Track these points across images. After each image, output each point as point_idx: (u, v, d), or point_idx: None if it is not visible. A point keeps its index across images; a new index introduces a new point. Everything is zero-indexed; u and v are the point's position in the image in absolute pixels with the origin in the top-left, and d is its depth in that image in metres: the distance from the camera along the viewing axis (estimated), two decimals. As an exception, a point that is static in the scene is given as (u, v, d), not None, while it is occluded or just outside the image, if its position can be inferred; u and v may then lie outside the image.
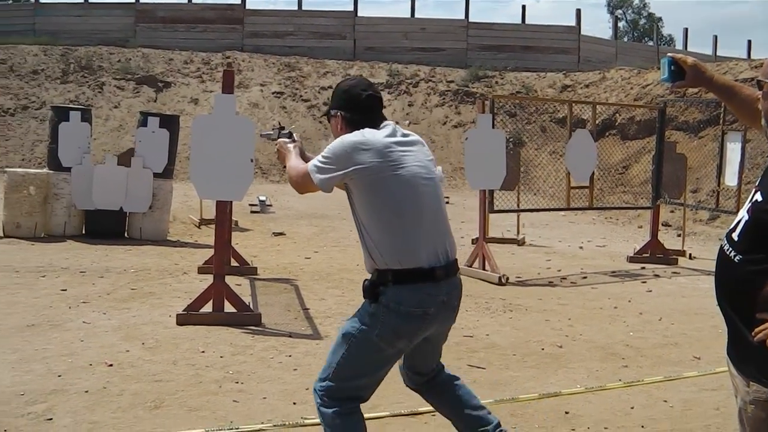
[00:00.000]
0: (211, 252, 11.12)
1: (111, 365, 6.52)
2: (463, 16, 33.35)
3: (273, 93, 27.73)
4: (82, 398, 5.82)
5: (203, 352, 7.01)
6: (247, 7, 32.34)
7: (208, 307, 8.00)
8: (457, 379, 4.50)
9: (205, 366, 6.62)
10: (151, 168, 13.04)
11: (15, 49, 28.63)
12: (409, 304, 3.84)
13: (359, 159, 3.89)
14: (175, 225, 14.20)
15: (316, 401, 4.12)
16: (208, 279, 9.51)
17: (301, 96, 27.70)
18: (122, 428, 5.31)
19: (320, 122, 26.51)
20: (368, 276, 3.99)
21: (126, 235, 13.28)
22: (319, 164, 4.01)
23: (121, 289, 9.46)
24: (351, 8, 32.77)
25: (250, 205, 17.42)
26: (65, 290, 9.27)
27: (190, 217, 15.30)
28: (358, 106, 4.12)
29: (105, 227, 13.11)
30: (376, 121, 4.09)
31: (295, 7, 33.25)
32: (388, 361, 4.02)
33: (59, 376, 6.29)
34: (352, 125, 4.09)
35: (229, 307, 8.03)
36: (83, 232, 13.27)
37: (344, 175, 3.93)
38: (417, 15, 33.49)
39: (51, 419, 5.42)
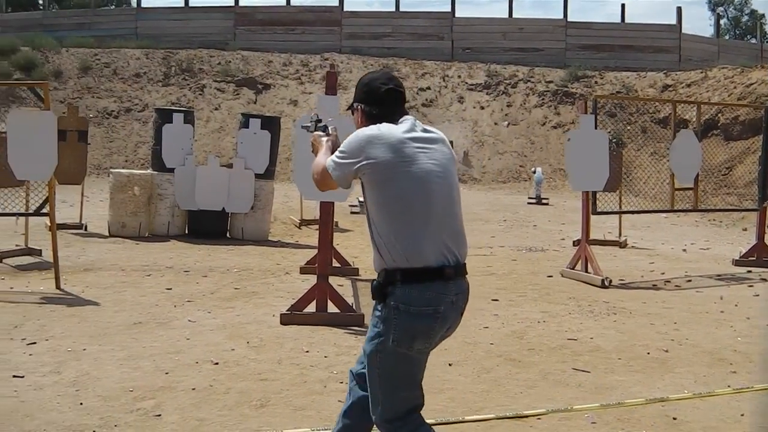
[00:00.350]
0: (312, 252, 11.22)
1: (217, 363, 6.59)
2: (561, 16, 33.04)
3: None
4: (189, 395, 5.88)
5: (307, 351, 7.04)
6: (345, 8, 32.54)
7: (311, 307, 8.04)
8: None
9: (310, 366, 6.65)
10: (252, 169, 13.17)
11: (118, 53, 29.27)
12: (418, 303, 3.73)
13: (372, 153, 3.80)
14: (276, 225, 14.32)
15: None
16: (310, 279, 9.59)
17: (399, 97, 27.75)
18: (229, 426, 5.35)
19: (430, 123, 26.48)
20: (373, 277, 3.90)
21: (228, 235, 13.46)
22: (336, 159, 3.93)
23: (224, 288, 9.58)
24: (448, 9, 32.73)
25: (350, 206, 17.48)
26: (170, 289, 9.42)
27: (291, 218, 15.42)
28: (378, 100, 4.01)
29: (207, 227, 13.31)
30: (395, 116, 3.98)
31: (393, 9, 33.32)
32: (416, 363, 3.88)
33: (166, 373, 6.37)
34: (371, 119, 3.99)
35: (332, 308, 8.06)
36: (186, 231, 13.51)
37: (357, 168, 3.84)
38: (514, 15, 33.28)
39: (159, 415, 5.49)
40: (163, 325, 7.80)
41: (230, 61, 29.11)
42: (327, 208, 8.35)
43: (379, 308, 3.81)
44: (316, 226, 14.58)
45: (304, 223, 14.91)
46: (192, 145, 13.69)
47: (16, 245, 11.97)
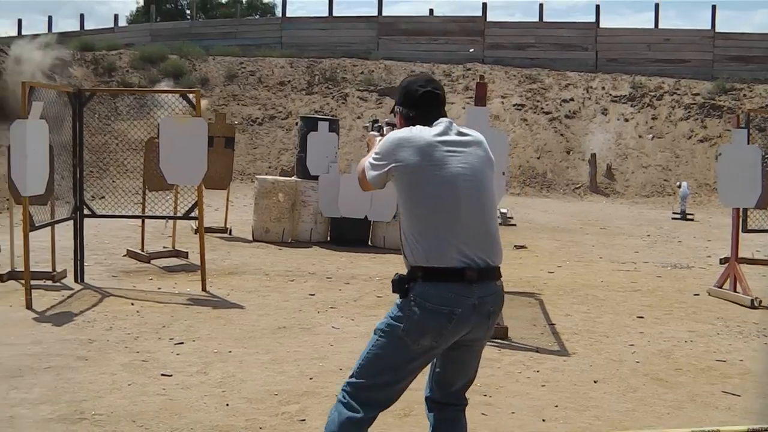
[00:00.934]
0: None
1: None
2: (708, 26, 32.19)
3: (514, 105, 27.66)
4: (333, 402, 5.87)
5: (450, 362, 6.97)
6: (488, 19, 32.42)
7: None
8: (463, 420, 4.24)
9: (453, 376, 6.58)
10: (396, 178, 13.17)
11: (263, 61, 29.80)
12: (435, 301, 3.75)
13: (400, 155, 3.85)
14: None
15: (338, 396, 4.08)
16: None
17: (542, 108, 27.48)
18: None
19: (561, 135, 26.23)
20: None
21: (369, 243, 13.51)
22: (372, 161, 3.99)
23: (367, 296, 9.59)
24: (593, 19, 32.30)
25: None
26: (313, 295, 9.50)
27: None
28: (414, 103, 4.05)
29: (350, 235, 13.39)
30: (429, 118, 4.00)
31: (536, 19, 33.07)
32: (412, 359, 3.88)
33: (311, 378, 6.41)
34: (408, 121, 4.04)
35: (476, 319, 7.97)
36: (328, 238, 13.62)
37: (387, 170, 3.91)
38: (660, 25, 32.62)
39: (304, 420, 5.52)
40: (306, 331, 7.86)
41: (373, 71, 29.33)
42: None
43: (399, 300, 3.87)
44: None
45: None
46: (336, 153, 13.81)
47: (164, 247, 12.28)
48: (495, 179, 4.10)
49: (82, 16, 56.44)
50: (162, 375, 6.42)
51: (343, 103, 27.90)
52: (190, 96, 9.90)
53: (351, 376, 4.04)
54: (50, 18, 53.54)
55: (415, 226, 3.85)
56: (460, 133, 3.98)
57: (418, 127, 3.95)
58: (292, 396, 5.98)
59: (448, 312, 3.74)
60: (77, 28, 36.90)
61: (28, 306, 8.62)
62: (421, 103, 4.03)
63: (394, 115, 4.22)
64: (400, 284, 3.86)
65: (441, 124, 3.96)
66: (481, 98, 8.20)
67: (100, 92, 11.31)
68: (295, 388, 6.15)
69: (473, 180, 3.87)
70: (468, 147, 3.94)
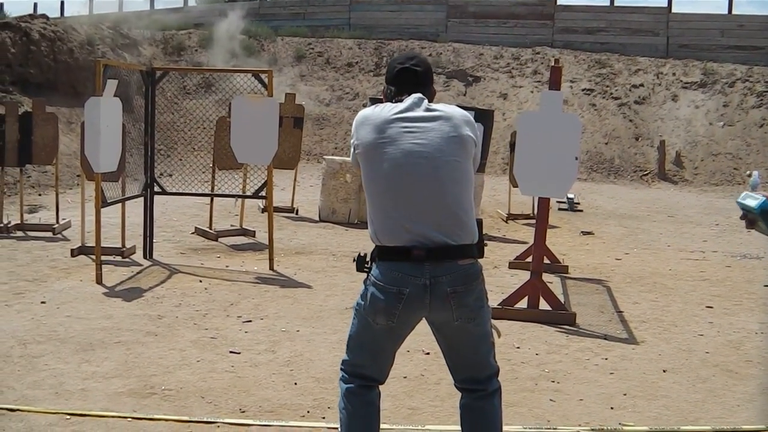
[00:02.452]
0: (519, 248, 11.12)
1: (428, 354, 6.57)
2: (786, 13, 31.54)
3: (582, 90, 27.34)
4: (401, 384, 5.89)
5: (518, 348, 6.94)
6: (559, 2, 32.07)
7: (522, 303, 7.93)
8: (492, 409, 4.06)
9: (521, 362, 6.55)
10: (464, 161, 13.11)
11: (331, 42, 29.81)
12: (384, 280, 3.74)
13: (360, 134, 3.85)
14: (483, 218, 14.20)
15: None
16: (519, 274, 9.49)
17: (611, 94, 27.11)
18: (441, 417, 5.34)
19: (630, 120, 25.91)
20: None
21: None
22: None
23: (431, 279, 9.53)
24: (665, 4, 31.79)
25: (558, 202, 17.19)
26: (380, 276, 9.47)
27: (498, 212, 15.30)
28: (392, 80, 4.01)
29: (416, 217, 13.33)
30: (403, 95, 3.92)
31: (607, 3, 32.65)
32: (379, 337, 3.92)
33: (378, 360, 6.41)
34: (387, 98, 4.00)
35: (543, 305, 7.92)
36: (394, 220, 13.57)
37: (353, 150, 3.94)
38: (734, 11, 32.02)
39: (372, 402, 5.52)
40: (374, 312, 7.85)
41: (441, 53, 29.16)
42: (544, 204, 8.19)
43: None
44: (524, 221, 14.56)
45: (511, 217, 14.78)
46: (404, 135, 13.74)
47: (231, 225, 12.37)
48: (467, 154, 3.88)
49: (152, -5, 56.68)
50: (230, 352, 6.48)
51: (411, 85, 27.78)
52: (263, 76, 9.93)
53: (345, 353, 4.13)
54: (121, -4, 53.81)
55: (370, 204, 3.87)
56: (428, 110, 3.86)
57: (381, 104, 3.93)
58: (360, 377, 6.00)
59: (397, 292, 3.72)
60: (147, 8, 37.17)
61: (99, 281, 8.75)
62: (398, 81, 3.97)
63: (383, 93, 4.17)
64: (359, 262, 3.94)
65: (408, 100, 3.88)
66: (555, 82, 8.09)
67: (172, 71, 11.37)
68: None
69: (429, 157, 3.75)
70: (431, 122, 3.83)
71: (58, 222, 11.76)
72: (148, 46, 27.37)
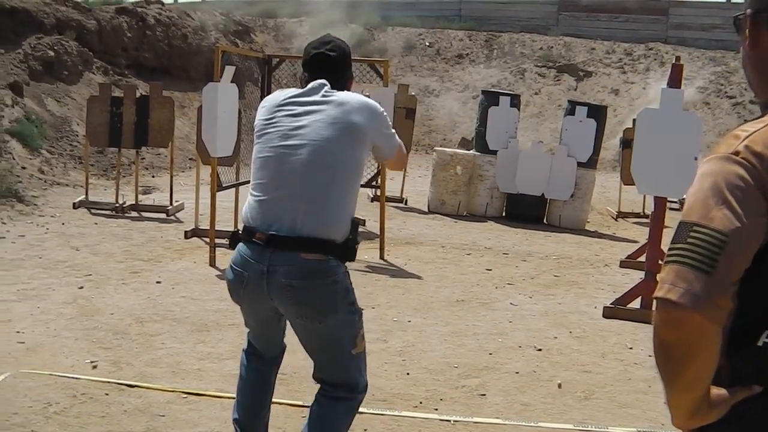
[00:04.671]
0: (630, 246, 10.96)
1: (540, 350, 6.53)
2: None
3: (697, 88, 26.79)
4: (512, 379, 5.86)
5: (631, 348, 6.83)
6: (673, -2, 31.52)
7: (635, 303, 7.80)
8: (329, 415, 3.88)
9: (634, 363, 6.44)
10: (575, 157, 12.99)
11: (442, 33, 29.77)
12: (234, 260, 3.73)
13: (258, 117, 3.83)
14: (592, 215, 14.05)
15: None
16: (631, 274, 9.36)
17: (725, 92, 26.53)
18: (553, 414, 5.28)
19: (745, 121, 25.21)
20: None
21: (545, 221, 13.34)
22: None
23: (544, 274, 9.48)
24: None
25: (670, 201, 16.86)
26: (490, 270, 9.44)
27: (608, 209, 15.09)
28: (305, 64, 3.90)
29: (525, 211, 13.25)
30: (311, 81, 3.80)
31: (723, 0, 31.96)
32: (245, 313, 3.96)
33: (490, 354, 6.38)
34: (301, 83, 3.90)
35: (657, 305, 7.77)
36: (503, 214, 13.50)
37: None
38: None
39: (484, 395, 5.51)
40: (485, 306, 7.82)
41: (552, 47, 28.87)
42: (661, 204, 8.04)
43: None
44: (634, 219, 14.32)
45: (621, 215, 14.56)
46: (516, 128, 13.65)
47: (342, 214, 12.43)
48: (352, 142, 3.69)
49: (264, -17, 57.12)
50: (343, 340, 6.50)
51: (521, 78, 27.57)
52: (379, 66, 9.94)
53: None
54: (234, -16, 54.48)
55: (251, 183, 3.80)
56: (324, 95, 3.71)
57: (282, 90, 3.89)
58: (472, 370, 5.97)
59: (239, 273, 3.67)
60: (264, -4, 37.60)
61: (212, 263, 8.88)
62: (311, 66, 3.86)
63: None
64: (232, 240, 3.89)
65: (310, 85, 3.77)
66: (675, 80, 7.91)
67: (289, 59, 11.47)
68: (474, 362, 6.14)
69: (304, 141, 3.61)
70: (321, 106, 3.68)
71: (171, 204, 11.98)
72: (260, 33, 27.68)
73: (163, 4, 24.80)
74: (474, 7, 32.32)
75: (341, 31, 28.61)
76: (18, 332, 6.37)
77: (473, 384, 5.67)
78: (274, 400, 4.19)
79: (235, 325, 6.71)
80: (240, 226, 3.82)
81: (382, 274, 8.90)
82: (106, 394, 5.12)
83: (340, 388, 3.83)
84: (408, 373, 5.82)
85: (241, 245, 3.70)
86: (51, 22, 19.24)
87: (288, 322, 3.89)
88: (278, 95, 3.83)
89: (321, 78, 3.78)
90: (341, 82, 3.85)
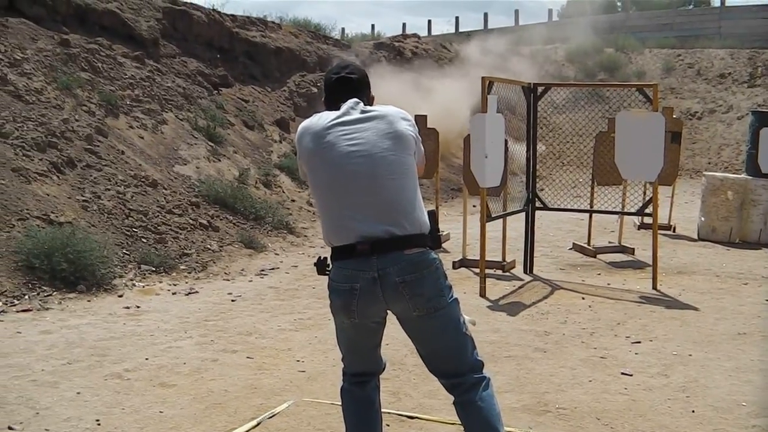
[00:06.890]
0: None
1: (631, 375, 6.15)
2: None
3: None
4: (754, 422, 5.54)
5: None
6: None
7: None
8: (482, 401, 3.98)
9: None
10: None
11: (702, 53, 28.94)
12: (338, 279, 3.90)
13: (301, 145, 4.00)
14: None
15: None
16: None
17: None
18: None
19: None
20: None
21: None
22: None
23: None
24: None
25: None
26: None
27: None
28: (326, 89, 4.16)
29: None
30: (339, 104, 4.02)
31: None
32: (351, 334, 4.09)
33: None
34: (324, 106, 4.13)
35: None
36: (779, 240, 12.86)
37: (299, 162, 4.11)
38: None
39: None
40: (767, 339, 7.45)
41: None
42: None
43: None
44: None
45: None
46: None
47: (609, 242, 12.24)
48: (405, 148, 3.96)
49: (516, 12, 57.37)
50: (622, 374, 6.37)
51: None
52: (647, 90, 9.74)
53: None
54: (485, 15, 55.00)
55: (319, 210, 4.05)
56: (363, 111, 3.98)
57: (321, 113, 4.04)
58: (762, 408, 5.69)
59: (349, 288, 3.84)
60: (512, 23, 37.78)
61: (482, 294, 8.93)
62: (335, 90, 4.11)
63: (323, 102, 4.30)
64: (320, 266, 4.06)
65: (344, 106, 3.98)
66: None
67: (554, 86, 11.44)
68: (764, 401, 5.84)
69: (366, 155, 3.86)
70: (367, 122, 3.94)
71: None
72: (516, 61, 27.75)
73: (419, 37, 25.38)
74: (735, 24, 31.28)
75: (597, 56, 28.41)
76: (298, 361, 6.65)
77: (763, 424, 5.41)
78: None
79: (511, 357, 6.74)
80: (327, 251, 4.02)
81: (656, 305, 8.67)
82: (387, 425, 5.21)
83: (468, 374, 4.02)
84: (693, 411, 5.62)
85: (338, 264, 3.91)
86: (313, 60, 20.14)
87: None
88: (317, 121, 4.00)
89: (338, 100, 4.06)
90: (365, 102, 4.10)
